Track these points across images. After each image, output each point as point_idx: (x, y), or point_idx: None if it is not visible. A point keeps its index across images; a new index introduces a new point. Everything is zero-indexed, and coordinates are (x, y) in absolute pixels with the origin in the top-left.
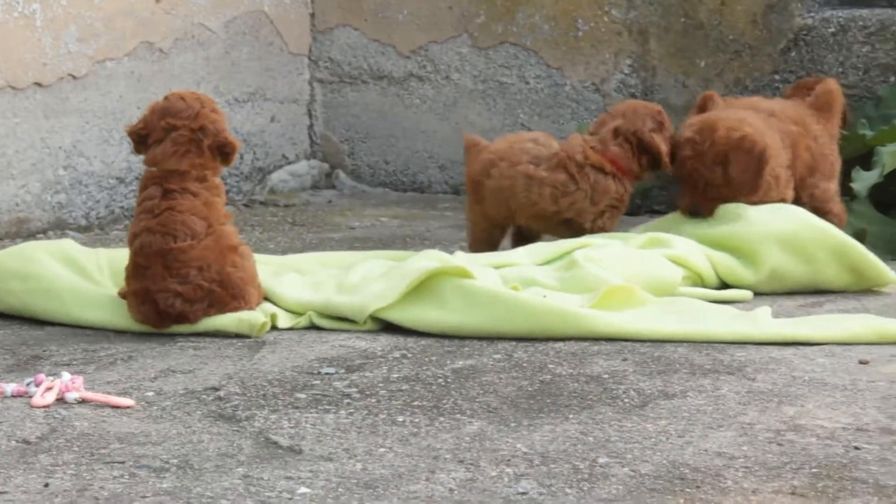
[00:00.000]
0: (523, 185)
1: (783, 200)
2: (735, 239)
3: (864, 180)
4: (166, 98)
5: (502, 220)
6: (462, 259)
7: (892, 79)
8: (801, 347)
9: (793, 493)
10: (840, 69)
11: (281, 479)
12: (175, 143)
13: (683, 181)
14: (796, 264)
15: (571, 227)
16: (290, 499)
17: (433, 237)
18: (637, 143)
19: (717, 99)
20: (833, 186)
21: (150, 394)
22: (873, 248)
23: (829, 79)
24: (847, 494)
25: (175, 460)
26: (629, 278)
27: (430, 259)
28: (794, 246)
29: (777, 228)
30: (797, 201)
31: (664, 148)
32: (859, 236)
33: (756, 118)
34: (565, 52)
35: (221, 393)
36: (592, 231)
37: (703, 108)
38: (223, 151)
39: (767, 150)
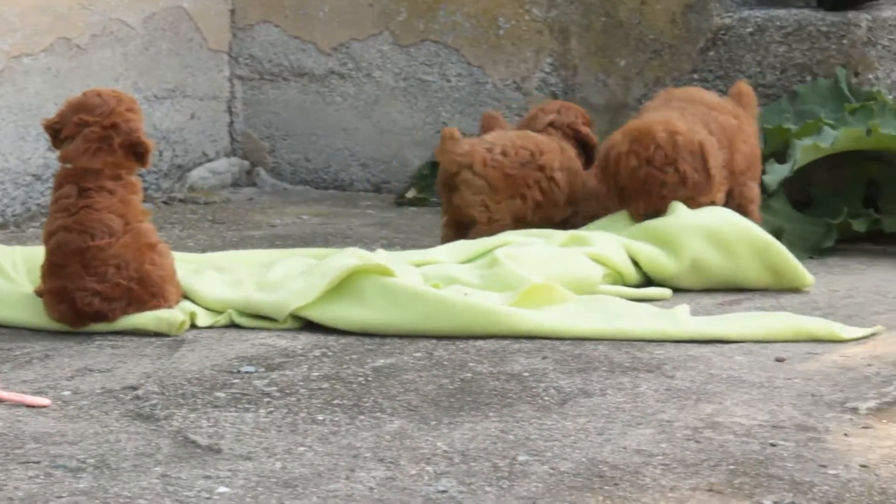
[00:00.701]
0: (577, 167)
1: (713, 203)
2: (660, 229)
3: (775, 173)
4: (84, 94)
5: (548, 211)
6: (383, 257)
7: (809, 78)
8: (718, 345)
9: (710, 490)
10: (758, 69)
11: (199, 479)
12: (86, 139)
13: (636, 190)
14: (718, 258)
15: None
16: (209, 498)
17: (354, 235)
18: (573, 135)
19: (500, 119)
20: (757, 189)
21: (67, 393)
22: (790, 245)
23: (740, 81)
24: (763, 491)
25: (92, 460)
26: (550, 276)
27: (351, 257)
28: (717, 239)
29: (702, 222)
30: (729, 200)
31: (596, 140)
32: (776, 234)
33: (682, 117)
34: (486, 50)
35: (140, 392)
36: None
37: (487, 129)
38: (136, 151)
39: (704, 142)
